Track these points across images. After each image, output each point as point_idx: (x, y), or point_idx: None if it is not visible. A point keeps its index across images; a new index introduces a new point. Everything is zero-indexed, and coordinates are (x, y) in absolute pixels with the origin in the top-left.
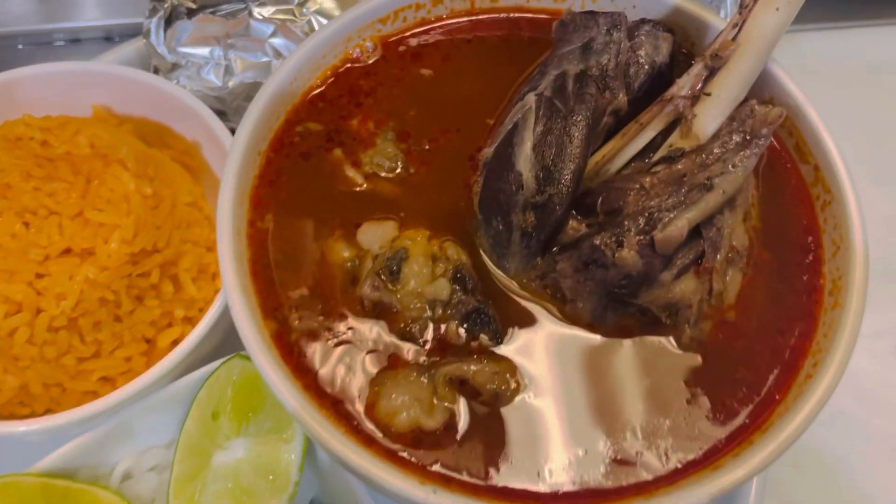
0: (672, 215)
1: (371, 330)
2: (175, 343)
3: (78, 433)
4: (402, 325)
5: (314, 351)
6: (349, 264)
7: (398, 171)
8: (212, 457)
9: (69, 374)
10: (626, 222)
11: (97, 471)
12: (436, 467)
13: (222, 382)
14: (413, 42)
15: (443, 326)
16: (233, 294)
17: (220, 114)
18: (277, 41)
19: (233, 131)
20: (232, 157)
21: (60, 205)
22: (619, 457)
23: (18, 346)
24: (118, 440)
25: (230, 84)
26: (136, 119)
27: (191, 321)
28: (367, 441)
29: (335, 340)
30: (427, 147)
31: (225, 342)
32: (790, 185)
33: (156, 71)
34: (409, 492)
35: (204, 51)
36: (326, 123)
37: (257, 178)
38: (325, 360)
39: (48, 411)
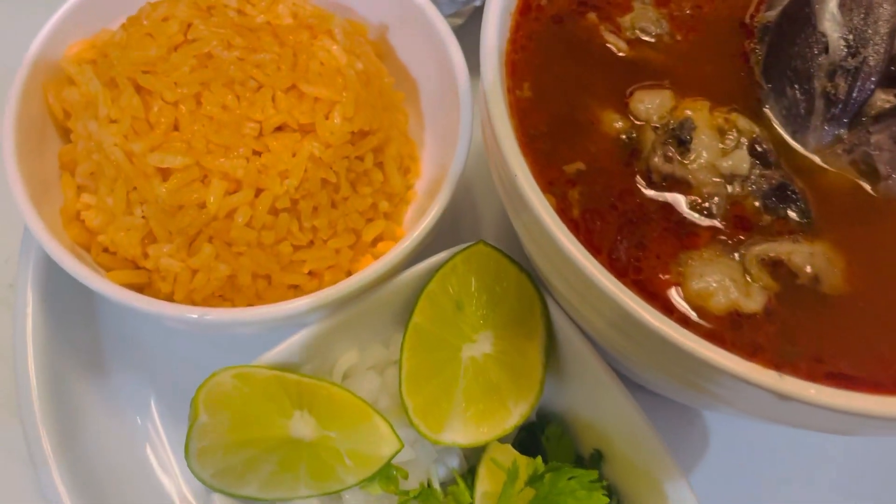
0: None
1: (663, 206)
2: (378, 240)
3: (294, 328)
4: (699, 200)
5: (602, 227)
6: (624, 136)
7: (663, 37)
8: (460, 350)
9: (281, 263)
10: None
11: (318, 368)
12: (765, 351)
13: (462, 273)
14: None
15: (742, 203)
16: (515, 161)
17: None
18: None
19: None
20: (489, 16)
21: (270, 77)
22: None
23: (237, 229)
24: (337, 337)
25: None
26: None
27: (389, 217)
28: (683, 322)
29: (624, 217)
30: (689, 12)
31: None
32: None
33: None
34: (752, 375)
35: None
36: None
37: (509, 43)
38: (616, 237)
39: (249, 307)
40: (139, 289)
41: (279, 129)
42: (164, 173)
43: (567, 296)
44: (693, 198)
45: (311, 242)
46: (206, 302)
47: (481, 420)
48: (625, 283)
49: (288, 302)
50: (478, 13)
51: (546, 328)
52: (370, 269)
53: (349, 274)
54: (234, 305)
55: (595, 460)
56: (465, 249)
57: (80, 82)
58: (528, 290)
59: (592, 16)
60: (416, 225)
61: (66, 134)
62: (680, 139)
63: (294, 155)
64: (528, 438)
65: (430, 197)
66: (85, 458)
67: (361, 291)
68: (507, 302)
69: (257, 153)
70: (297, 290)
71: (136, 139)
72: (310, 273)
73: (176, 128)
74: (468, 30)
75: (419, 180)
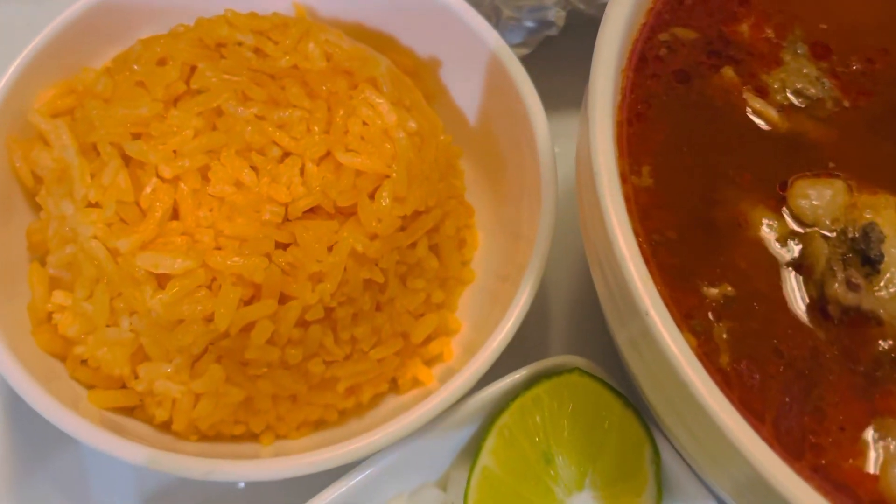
0: None
1: (845, 351)
2: (429, 339)
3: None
4: (893, 343)
5: (763, 383)
6: (785, 247)
7: (826, 103)
8: None
9: (311, 383)
10: None
11: None
12: None
13: (549, 409)
14: None
15: None
16: (643, 290)
17: None
18: None
19: None
20: (599, 73)
21: (298, 142)
22: None
23: (254, 349)
24: (383, 481)
25: None
26: (346, 25)
27: (442, 306)
28: None
29: (793, 368)
30: (855, 67)
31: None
32: None
33: None
34: None
35: None
36: (702, 29)
37: (620, 110)
38: (784, 398)
39: (268, 429)
40: (128, 411)
41: (310, 212)
42: (160, 278)
43: (697, 458)
44: (887, 341)
45: (350, 355)
46: (214, 429)
47: None
48: (801, 471)
49: (323, 452)
50: (549, 43)
51: (656, 478)
52: (428, 407)
53: (393, 382)
54: (248, 429)
55: None
56: (552, 377)
57: (52, 144)
58: (635, 429)
59: (729, 72)
60: (488, 340)
61: (37, 204)
62: (865, 256)
63: (330, 250)
64: None
65: (493, 276)
66: None
67: (416, 430)
68: (609, 448)
69: (281, 246)
70: (327, 409)
71: (122, 233)
72: (348, 389)
73: (175, 215)
74: (537, 61)
75: (476, 251)
